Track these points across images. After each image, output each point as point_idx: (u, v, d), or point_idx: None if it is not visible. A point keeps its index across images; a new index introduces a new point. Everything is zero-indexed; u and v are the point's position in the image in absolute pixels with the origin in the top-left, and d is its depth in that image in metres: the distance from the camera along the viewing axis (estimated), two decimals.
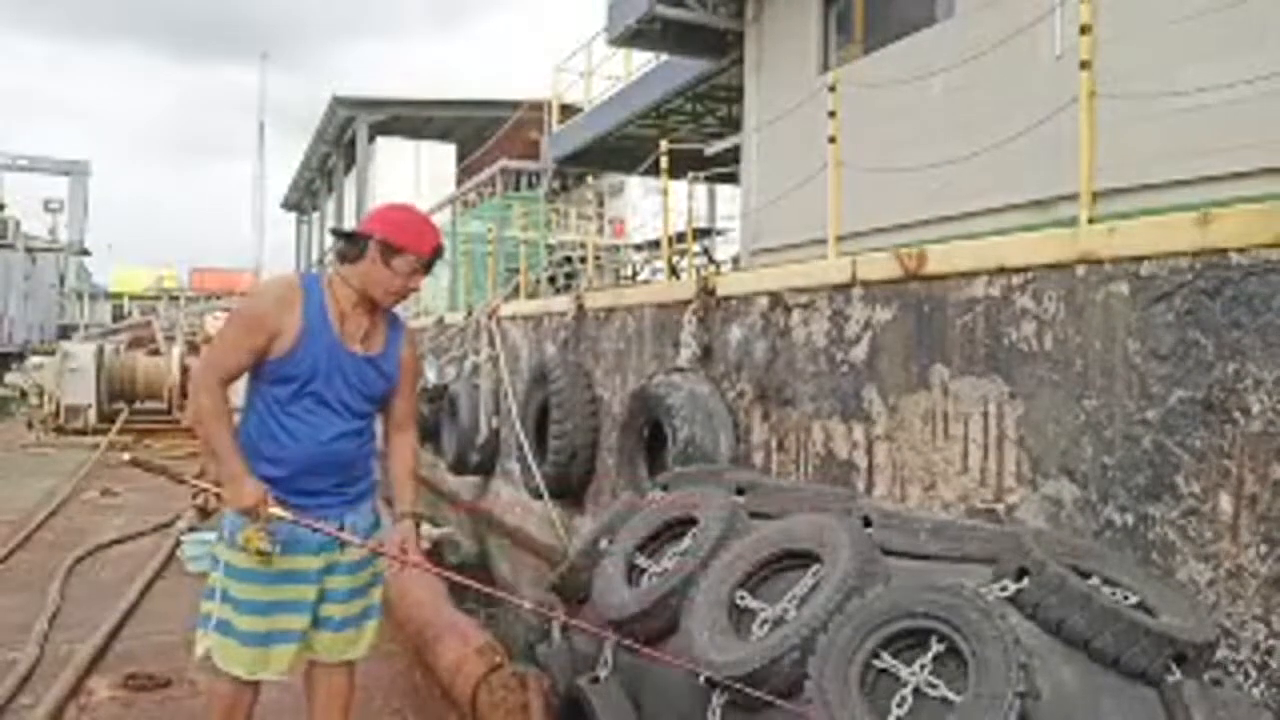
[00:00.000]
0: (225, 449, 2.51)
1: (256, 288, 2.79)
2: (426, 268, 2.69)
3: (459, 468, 9.89)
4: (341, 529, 2.68)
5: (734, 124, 13.08)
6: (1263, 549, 3.01)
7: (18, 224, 32.61)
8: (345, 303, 2.65)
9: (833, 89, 6.39)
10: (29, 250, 32.91)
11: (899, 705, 2.46)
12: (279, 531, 2.56)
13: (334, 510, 2.69)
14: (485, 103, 26.37)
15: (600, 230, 21.69)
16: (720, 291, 5.86)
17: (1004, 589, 2.68)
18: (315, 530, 2.62)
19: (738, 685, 2.73)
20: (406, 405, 2.88)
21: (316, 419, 2.62)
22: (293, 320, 2.55)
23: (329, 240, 33.31)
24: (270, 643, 2.64)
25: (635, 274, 18.13)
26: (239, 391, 2.64)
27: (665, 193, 8.59)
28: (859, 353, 4.70)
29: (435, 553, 2.67)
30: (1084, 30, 4.47)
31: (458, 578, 3.32)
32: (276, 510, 2.53)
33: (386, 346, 2.75)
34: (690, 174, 12.75)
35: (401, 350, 2.81)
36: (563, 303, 8.29)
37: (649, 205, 20.84)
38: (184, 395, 15.21)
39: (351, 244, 2.64)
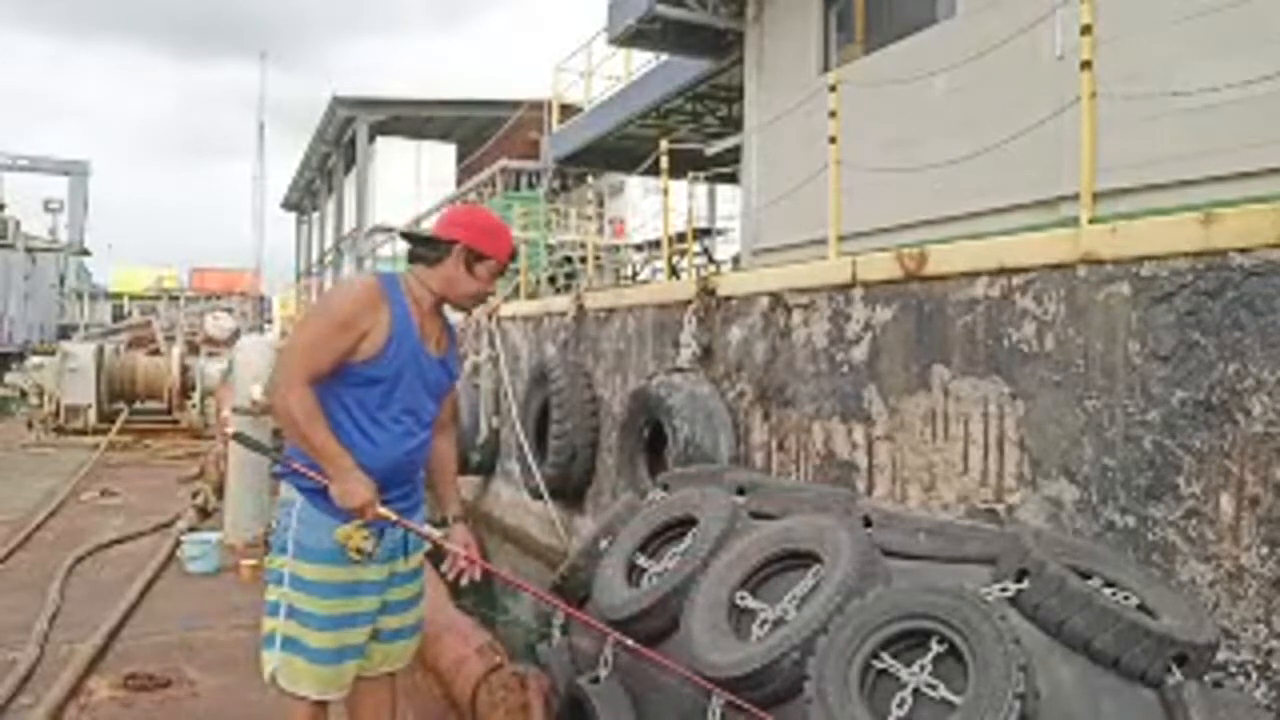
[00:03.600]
0: (331, 448, 2.44)
1: (338, 288, 2.79)
2: (503, 271, 2.71)
3: (459, 468, 9.88)
4: (405, 538, 2.66)
5: (734, 124, 13.08)
6: (1263, 550, 3.00)
7: (18, 224, 32.57)
8: (424, 304, 2.63)
9: (833, 89, 6.39)
10: (29, 250, 32.87)
11: (899, 706, 2.46)
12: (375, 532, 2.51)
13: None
14: (485, 103, 26.38)
15: (600, 230, 21.68)
16: (720, 292, 5.86)
17: (1004, 590, 2.68)
18: (417, 533, 2.62)
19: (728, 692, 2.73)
20: (451, 405, 2.89)
21: (401, 428, 2.58)
22: (381, 321, 2.51)
23: (329, 240, 33.37)
24: (342, 659, 2.57)
25: (635, 274, 18.13)
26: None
27: (665, 193, 8.59)
28: (859, 353, 4.70)
29: (436, 552, 2.71)
30: (1085, 30, 4.47)
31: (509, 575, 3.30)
32: (383, 510, 2.49)
33: (450, 347, 2.76)
34: (690, 174, 12.75)
35: (458, 349, 2.84)
36: (563, 303, 8.29)
37: (649, 205, 20.84)
38: (184, 395, 15.22)
39: (431, 249, 2.62)
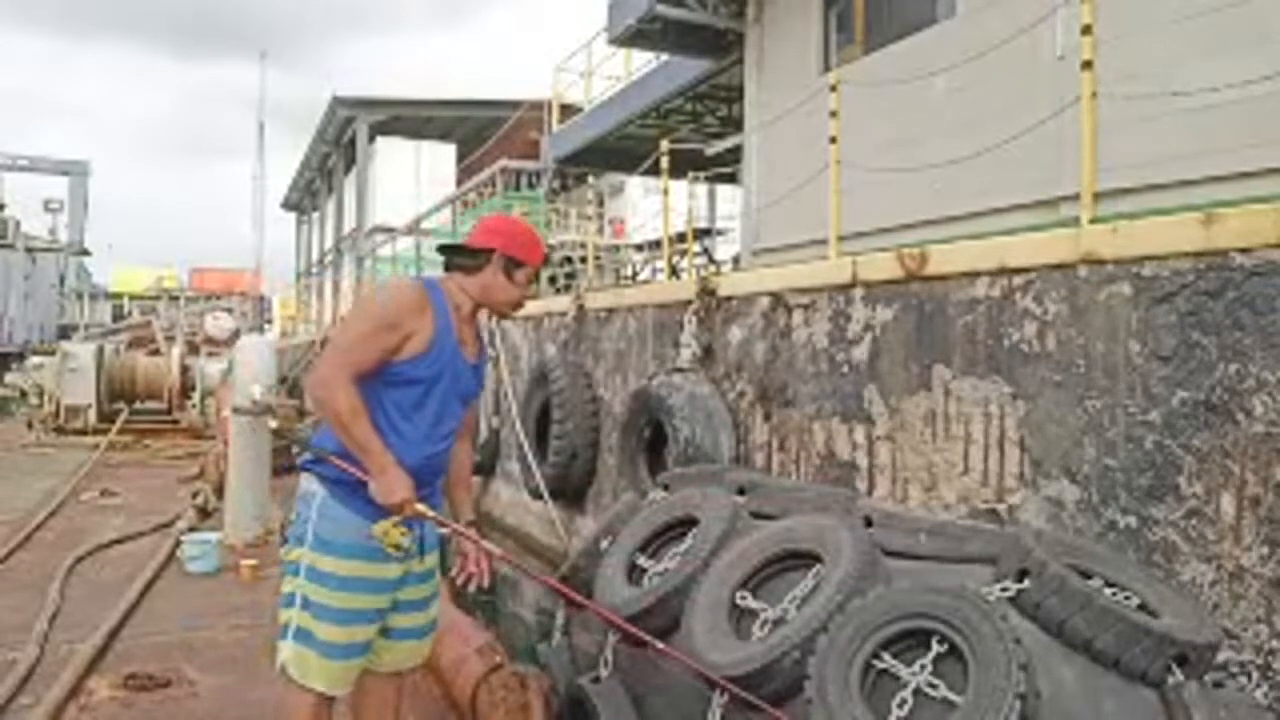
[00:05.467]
0: (373, 444, 2.48)
1: (384, 288, 2.89)
2: (537, 276, 2.81)
3: None
4: (420, 535, 2.68)
5: (734, 124, 13.08)
6: (1264, 550, 3.00)
7: (18, 224, 32.57)
8: (463, 310, 2.70)
9: (834, 89, 6.40)
10: (29, 250, 32.87)
11: (899, 706, 2.46)
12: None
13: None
14: (485, 103, 26.37)
15: (600, 230, 21.67)
16: (721, 292, 5.85)
17: (1005, 590, 2.68)
18: (455, 531, 2.70)
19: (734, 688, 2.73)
20: (474, 411, 2.93)
21: (432, 429, 2.63)
22: (425, 323, 2.57)
23: (329, 240, 33.35)
24: (350, 655, 2.60)
25: (635, 274, 18.14)
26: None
27: (665, 193, 8.59)
28: (860, 353, 4.69)
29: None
30: (1085, 30, 4.47)
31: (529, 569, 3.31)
32: (421, 507, 2.54)
33: (481, 354, 2.82)
34: (690, 174, 12.75)
35: (488, 356, 2.90)
36: (563, 303, 8.29)
37: (649, 205, 20.83)
38: (184, 395, 15.22)
39: (471, 258, 2.70)
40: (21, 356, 23.89)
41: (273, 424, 3.23)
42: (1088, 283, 3.60)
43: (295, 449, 9.59)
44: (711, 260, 15.99)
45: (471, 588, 2.80)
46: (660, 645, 2.93)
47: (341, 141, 30.18)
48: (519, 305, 2.79)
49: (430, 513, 2.58)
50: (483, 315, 2.82)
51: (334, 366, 2.50)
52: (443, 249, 2.83)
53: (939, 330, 4.24)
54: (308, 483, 2.64)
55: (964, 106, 7.31)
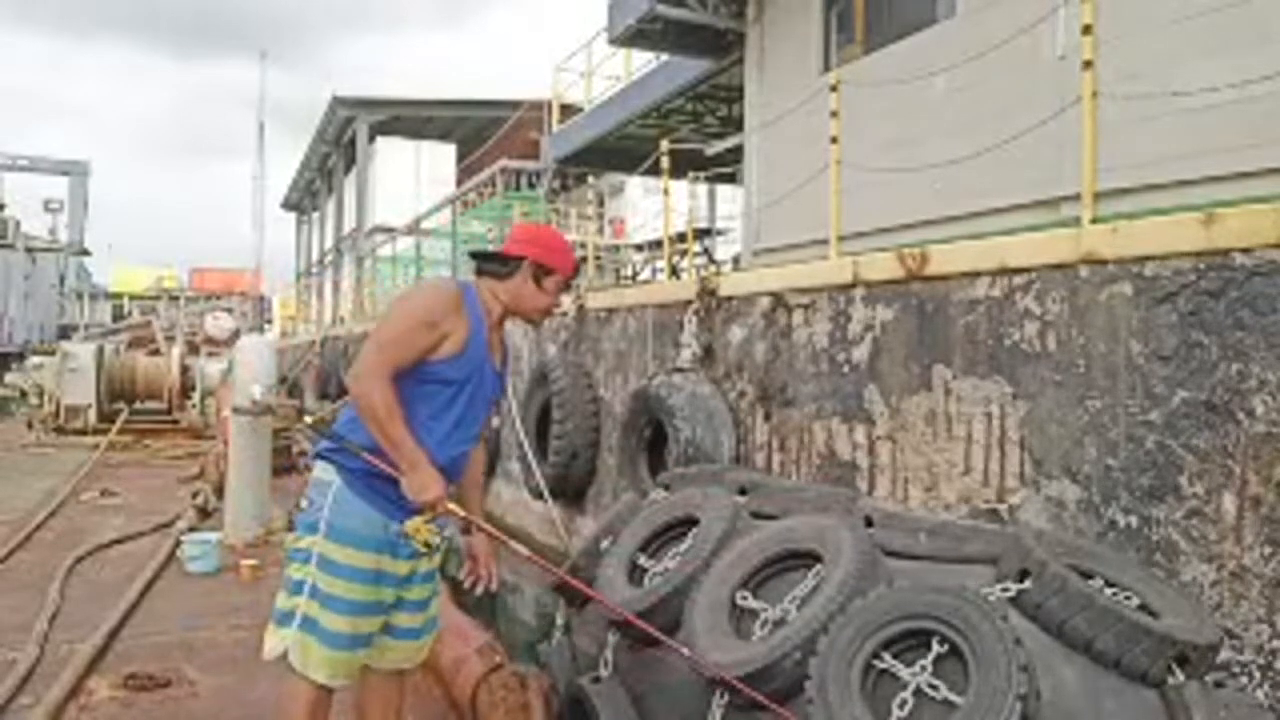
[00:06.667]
0: (408, 442, 2.51)
1: (422, 287, 2.98)
2: (568, 285, 2.87)
3: None
4: (440, 534, 2.70)
5: (734, 124, 13.07)
6: (1266, 550, 3.00)
7: (18, 224, 32.60)
8: (493, 315, 2.74)
9: (834, 89, 6.39)
10: (29, 250, 32.89)
11: (900, 706, 2.45)
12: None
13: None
14: (485, 103, 26.39)
15: (600, 230, 21.69)
16: (721, 292, 5.85)
17: (1006, 590, 2.68)
18: (486, 531, 2.77)
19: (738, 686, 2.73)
20: (487, 416, 2.97)
21: (456, 431, 2.66)
22: (461, 324, 2.61)
23: (329, 240, 33.35)
24: (355, 647, 2.61)
25: (635, 274, 18.14)
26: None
27: (666, 193, 8.59)
28: (861, 353, 4.69)
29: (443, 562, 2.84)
30: (1086, 30, 4.47)
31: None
32: (453, 505, 2.59)
33: (505, 359, 2.86)
34: (690, 174, 12.74)
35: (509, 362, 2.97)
36: (563, 303, 8.29)
37: (649, 205, 20.84)
38: (184, 395, 15.21)
39: (502, 265, 2.75)
40: (21, 356, 23.90)
41: (309, 419, 3.30)
42: (1088, 283, 3.60)
43: (295, 448, 9.59)
44: (712, 260, 15.99)
45: (479, 591, 2.83)
46: (680, 648, 2.93)
47: (341, 141, 30.20)
48: (548, 313, 2.83)
49: (461, 511, 2.62)
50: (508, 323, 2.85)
51: (372, 364, 2.52)
52: (474, 255, 2.87)
53: (940, 330, 4.24)
54: (324, 471, 2.66)
55: (964, 106, 7.30)
